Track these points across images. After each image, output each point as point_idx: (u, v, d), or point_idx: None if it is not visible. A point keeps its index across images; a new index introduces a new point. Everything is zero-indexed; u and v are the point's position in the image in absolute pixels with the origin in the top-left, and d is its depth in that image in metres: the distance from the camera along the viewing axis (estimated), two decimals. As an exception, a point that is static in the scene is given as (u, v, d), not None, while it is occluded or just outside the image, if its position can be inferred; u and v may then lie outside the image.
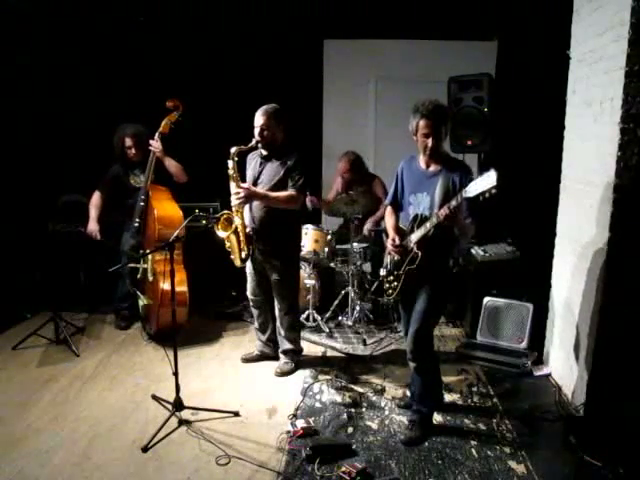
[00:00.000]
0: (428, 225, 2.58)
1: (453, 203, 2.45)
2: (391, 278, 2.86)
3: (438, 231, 2.59)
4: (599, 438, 2.64)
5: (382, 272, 2.96)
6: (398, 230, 2.83)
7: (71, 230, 5.39)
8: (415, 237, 2.67)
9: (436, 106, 2.57)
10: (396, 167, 2.90)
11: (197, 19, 4.98)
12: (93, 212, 4.18)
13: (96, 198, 4.21)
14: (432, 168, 2.68)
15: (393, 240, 2.77)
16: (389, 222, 2.92)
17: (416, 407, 2.88)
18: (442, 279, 2.75)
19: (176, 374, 2.86)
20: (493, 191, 2.27)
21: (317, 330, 4.29)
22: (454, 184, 2.57)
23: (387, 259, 2.93)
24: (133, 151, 4.09)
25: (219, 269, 4.89)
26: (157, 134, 3.93)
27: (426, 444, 2.73)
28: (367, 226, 4.58)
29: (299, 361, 3.64)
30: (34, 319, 4.37)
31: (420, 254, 2.65)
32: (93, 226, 4.14)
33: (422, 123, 2.58)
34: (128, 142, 4.07)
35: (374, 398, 3.22)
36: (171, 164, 4.01)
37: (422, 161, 2.72)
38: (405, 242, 2.75)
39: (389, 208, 2.95)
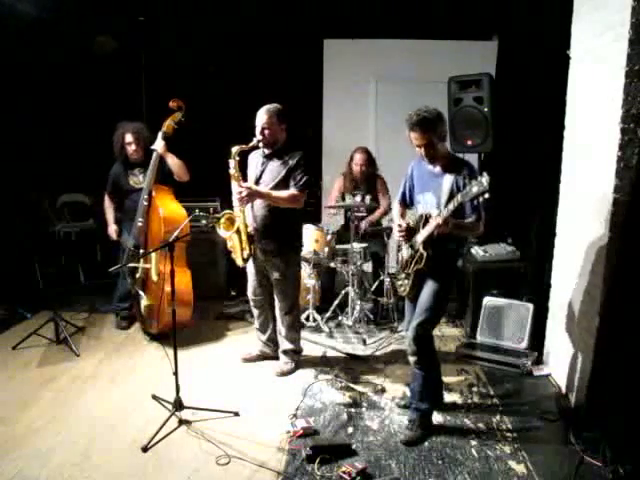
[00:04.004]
0: (431, 228, 2.62)
1: (450, 207, 2.51)
2: (402, 276, 2.92)
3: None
4: (599, 438, 2.64)
5: (394, 270, 3.01)
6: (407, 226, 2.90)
7: (71, 230, 5.41)
8: (421, 238, 2.72)
9: (421, 117, 2.59)
10: (395, 166, 2.92)
11: (197, 19, 4.99)
12: (109, 215, 4.26)
13: (107, 201, 4.27)
14: (438, 168, 2.74)
15: (399, 225, 2.86)
16: (396, 212, 3.03)
17: (415, 405, 2.88)
18: (447, 276, 2.79)
19: (176, 374, 2.86)
20: (485, 195, 2.34)
21: (317, 330, 4.28)
22: (458, 186, 2.61)
23: (399, 256, 2.99)
24: (133, 147, 4.03)
25: (220, 269, 4.94)
26: (160, 134, 3.88)
27: (426, 444, 2.73)
28: (363, 225, 4.60)
29: (299, 361, 3.64)
30: (34, 319, 4.37)
31: (426, 254, 2.69)
32: (112, 228, 4.21)
33: (412, 135, 2.67)
34: (128, 138, 4.01)
35: (374, 398, 3.22)
36: (174, 162, 3.96)
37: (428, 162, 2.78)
38: (412, 242, 2.80)
39: (399, 204, 3.03)
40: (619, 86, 2.66)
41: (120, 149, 4.09)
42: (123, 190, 4.14)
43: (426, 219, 2.69)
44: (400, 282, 2.95)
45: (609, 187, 2.77)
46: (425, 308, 2.74)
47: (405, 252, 2.88)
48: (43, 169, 4.85)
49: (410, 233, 2.82)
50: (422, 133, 2.61)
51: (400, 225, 2.86)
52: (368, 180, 4.66)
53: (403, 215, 2.98)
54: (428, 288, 2.75)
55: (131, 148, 4.04)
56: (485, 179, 2.31)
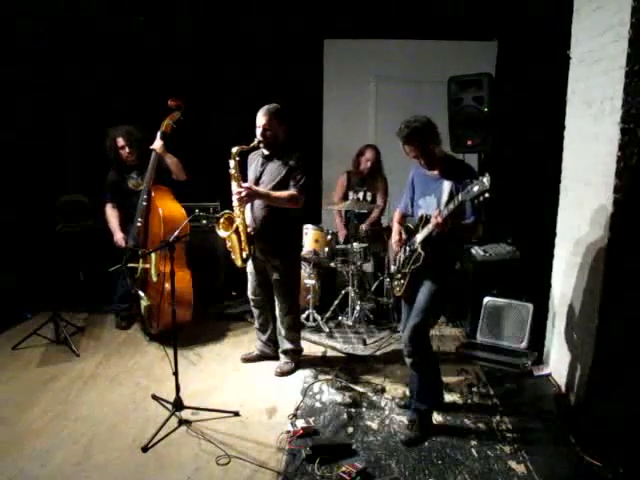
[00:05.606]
0: (430, 227, 2.62)
1: (450, 207, 2.52)
2: (399, 276, 2.92)
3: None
4: (599, 438, 2.64)
5: (392, 269, 3.04)
6: (406, 229, 2.92)
7: (71, 230, 5.40)
8: (420, 237, 2.72)
9: (411, 129, 2.61)
10: (395, 166, 2.92)
11: (197, 19, 4.98)
12: (113, 223, 4.18)
13: (109, 209, 4.22)
14: (436, 172, 2.75)
15: (399, 238, 2.91)
16: (395, 221, 3.03)
17: (415, 405, 2.88)
18: (445, 278, 2.78)
19: (176, 374, 2.86)
20: (486, 195, 2.34)
21: (317, 330, 4.28)
22: (457, 187, 2.61)
23: (397, 257, 2.99)
24: (127, 150, 4.03)
25: (220, 269, 4.94)
26: (159, 133, 3.88)
27: (426, 444, 2.73)
28: (363, 227, 4.60)
29: (299, 361, 3.64)
30: (34, 319, 4.37)
31: (424, 254, 2.69)
32: (119, 235, 4.13)
33: (406, 148, 2.68)
34: (121, 142, 4.02)
35: (374, 398, 3.22)
36: (172, 161, 3.97)
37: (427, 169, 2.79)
38: (411, 242, 2.81)
39: (399, 212, 3.03)
40: (619, 86, 2.66)
41: (115, 154, 4.08)
42: (123, 194, 4.13)
43: (426, 220, 2.69)
44: (396, 282, 2.95)
45: (609, 187, 2.77)
46: (421, 309, 2.74)
47: (403, 252, 2.89)
48: (43, 169, 4.84)
49: (411, 249, 2.85)
50: (415, 145, 2.64)
51: (400, 238, 2.89)
52: (372, 178, 4.68)
53: (402, 223, 2.98)
54: (425, 289, 2.75)
55: (125, 151, 4.04)
56: (486, 179, 2.31)
